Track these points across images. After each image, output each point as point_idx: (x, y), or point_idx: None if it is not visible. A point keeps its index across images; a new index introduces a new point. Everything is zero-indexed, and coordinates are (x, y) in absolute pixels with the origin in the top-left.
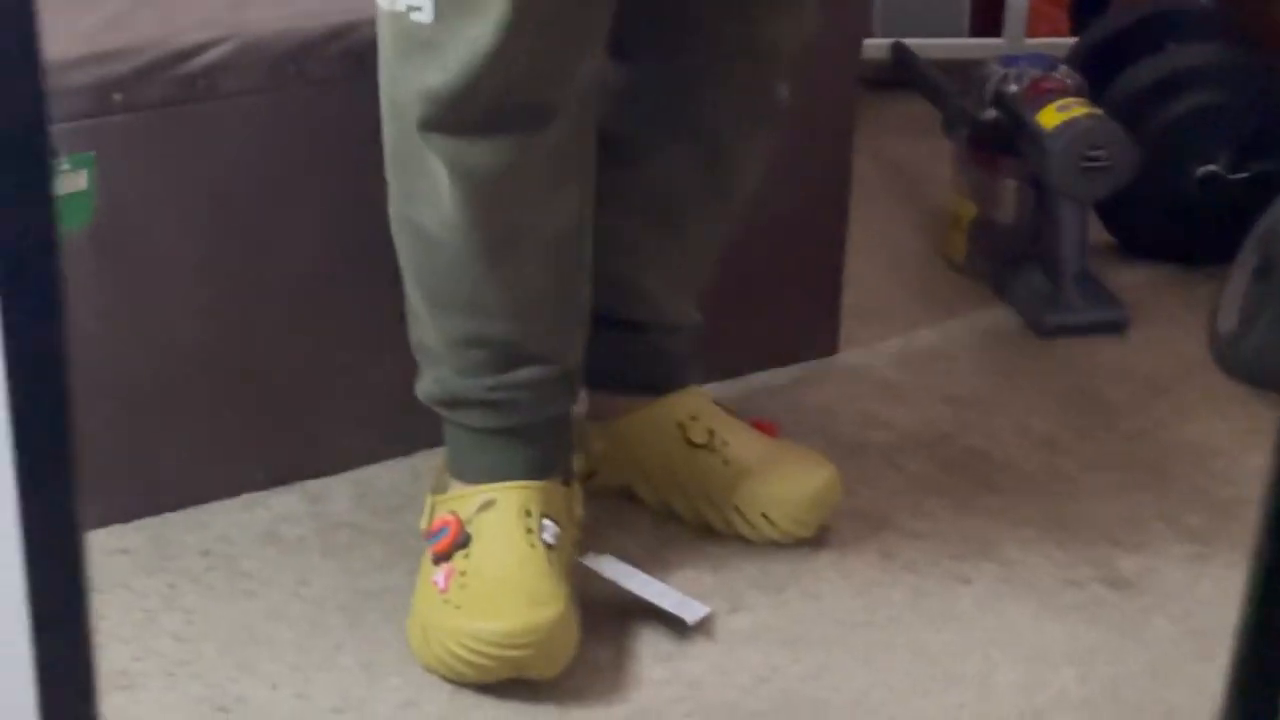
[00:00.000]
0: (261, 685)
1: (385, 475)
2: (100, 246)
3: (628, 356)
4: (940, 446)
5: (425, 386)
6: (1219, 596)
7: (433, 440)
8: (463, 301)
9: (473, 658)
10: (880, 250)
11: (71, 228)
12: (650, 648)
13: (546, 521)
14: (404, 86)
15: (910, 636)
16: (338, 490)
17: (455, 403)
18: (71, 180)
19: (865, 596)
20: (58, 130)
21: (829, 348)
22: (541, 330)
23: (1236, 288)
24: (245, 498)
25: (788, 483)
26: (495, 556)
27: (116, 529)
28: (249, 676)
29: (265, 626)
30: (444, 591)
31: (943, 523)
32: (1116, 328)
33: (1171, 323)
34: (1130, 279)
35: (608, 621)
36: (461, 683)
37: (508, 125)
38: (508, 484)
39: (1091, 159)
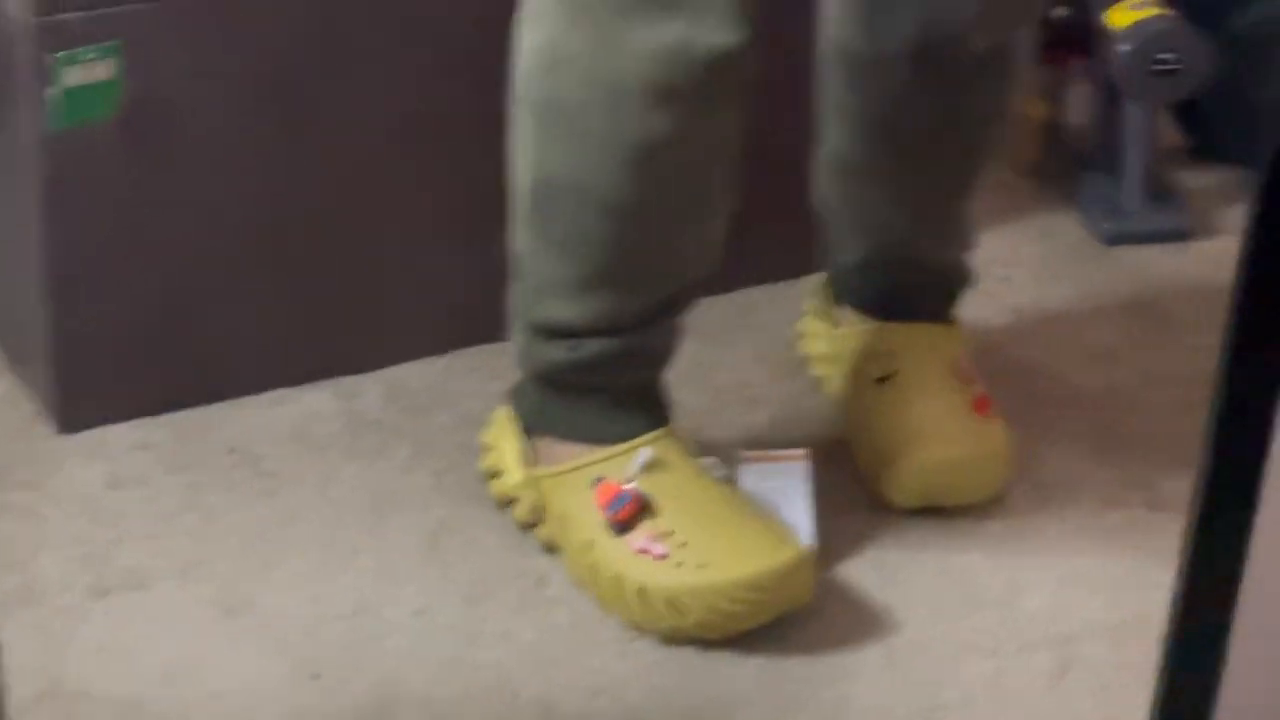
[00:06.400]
0: (274, 589)
1: (418, 374)
2: (131, 137)
3: None
4: (992, 356)
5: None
6: None
7: (468, 340)
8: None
9: (737, 608)
10: None
11: (98, 118)
12: None
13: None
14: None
15: (935, 556)
16: (369, 388)
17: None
18: (96, 70)
19: (890, 512)
20: (80, 19)
21: None
22: None
23: None
24: (276, 393)
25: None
26: (701, 507)
27: (141, 423)
28: (262, 579)
29: (284, 529)
30: (665, 556)
31: None
32: (1179, 236)
33: (1238, 231)
34: (1201, 183)
35: None
36: (710, 639)
37: None
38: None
39: (1161, 61)
